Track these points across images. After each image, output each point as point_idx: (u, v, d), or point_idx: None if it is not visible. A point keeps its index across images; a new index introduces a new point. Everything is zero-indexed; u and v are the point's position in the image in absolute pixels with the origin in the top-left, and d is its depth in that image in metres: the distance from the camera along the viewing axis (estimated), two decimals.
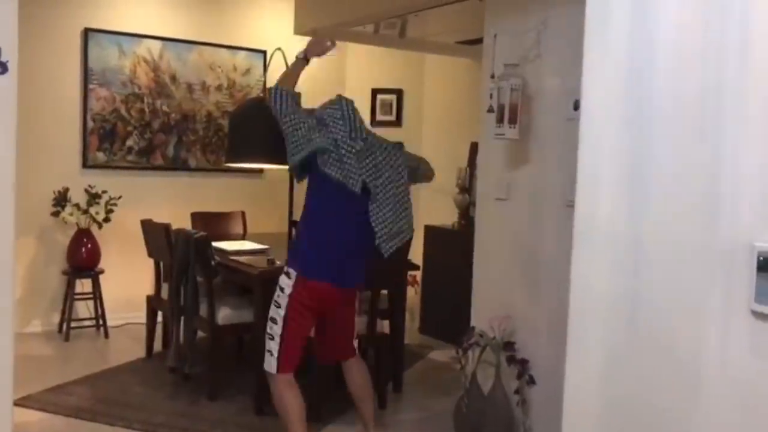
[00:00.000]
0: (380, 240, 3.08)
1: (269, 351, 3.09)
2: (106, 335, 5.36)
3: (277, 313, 3.07)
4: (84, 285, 5.41)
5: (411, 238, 3.45)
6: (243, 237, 5.19)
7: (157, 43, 5.75)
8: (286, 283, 3.07)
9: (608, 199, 1.79)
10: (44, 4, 5.27)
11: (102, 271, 5.38)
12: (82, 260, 5.30)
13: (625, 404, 1.77)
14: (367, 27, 5.42)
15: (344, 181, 3.03)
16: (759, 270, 1.49)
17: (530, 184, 3.44)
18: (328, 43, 3.41)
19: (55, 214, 5.24)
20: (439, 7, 4.42)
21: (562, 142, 3.19)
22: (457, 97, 6.21)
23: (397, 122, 6.64)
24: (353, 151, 3.07)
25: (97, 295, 5.35)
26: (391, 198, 3.12)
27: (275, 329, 3.07)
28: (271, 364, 3.09)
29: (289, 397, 3.09)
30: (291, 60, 5.63)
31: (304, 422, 3.13)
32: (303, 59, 3.39)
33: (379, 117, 6.61)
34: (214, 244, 4.33)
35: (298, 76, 3.36)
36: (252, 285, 3.99)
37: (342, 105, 3.17)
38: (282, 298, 3.07)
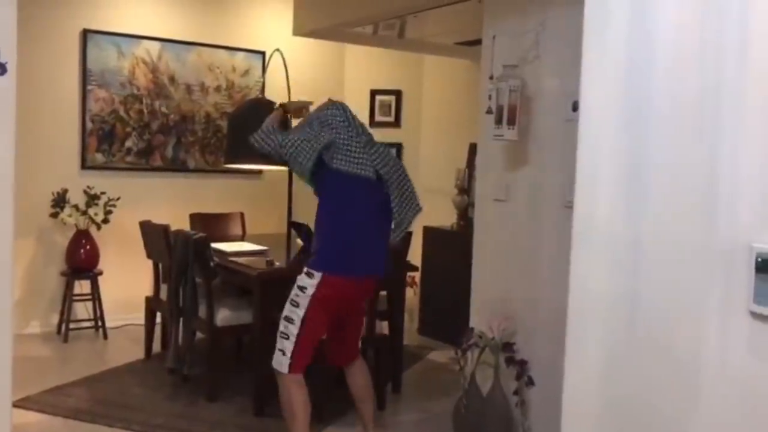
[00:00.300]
0: (394, 224, 3.22)
1: (282, 350, 3.09)
2: (105, 336, 5.36)
3: (295, 312, 3.07)
4: (83, 286, 5.40)
5: (410, 233, 3.50)
6: (242, 238, 5.19)
7: (156, 44, 5.75)
8: (308, 283, 3.06)
9: (607, 199, 1.79)
10: (43, 5, 5.27)
11: (101, 273, 5.38)
12: (81, 261, 5.30)
13: (624, 405, 1.77)
14: (366, 28, 5.42)
15: (357, 171, 3.09)
16: (757, 271, 1.49)
17: (529, 184, 3.44)
18: (305, 110, 3.55)
19: (54, 215, 5.24)
20: (437, 8, 4.42)
21: (561, 143, 3.19)
22: (456, 98, 6.22)
23: (396, 123, 6.64)
24: (360, 144, 3.14)
25: (95, 297, 5.35)
26: (396, 188, 3.21)
27: (291, 328, 3.07)
28: (282, 363, 3.08)
29: (298, 398, 3.10)
30: (289, 61, 5.64)
31: (308, 423, 3.14)
32: (282, 112, 3.52)
33: (378, 118, 6.62)
34: (213, 245, 4.33)
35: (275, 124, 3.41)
36: (251, 286, 3.99)
37: (339, 107, 3.24)
38: (302, 298, 3.06)
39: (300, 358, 3.08)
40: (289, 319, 3.08)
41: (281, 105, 3.50)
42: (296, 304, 3.08)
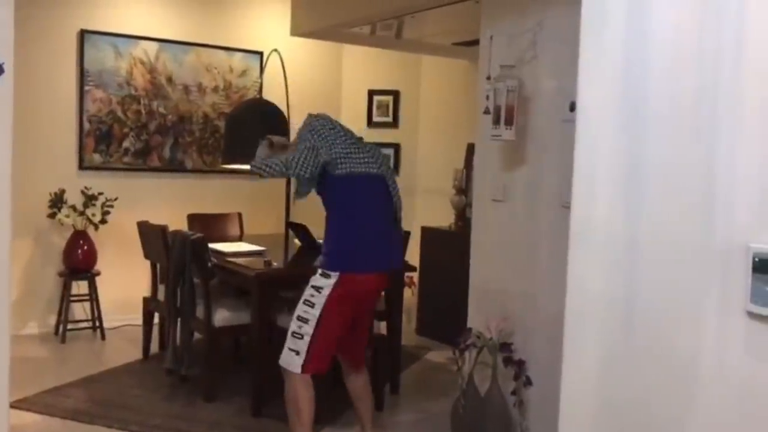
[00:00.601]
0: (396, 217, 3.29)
1: (295, 350, 3.09)
2: (103, 337, 5.35)
3: (310, 313, 3.07)
4: (80, 287, 5.40)
5: (408, 233, 3.52)
6: (240, 238, 5.19)
7: (154, 45, 5.75)
8: (324, 283, 3.07)
9: (604, 200, 1.79)
10: (40, 5, 5.26)
11: (98, 273, 5.37)
12: (79, 262, 5.29)
13: (622, 405, 1.77)
14: (364, 28, 5.42)
15: (362, 171, 3.12)
16: (754, 271, 1.50)
17: (526, 185, 3.44)
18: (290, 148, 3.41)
19: (52, 215, 5.23)
20: (435, 9, 4.42)
21: (558, 144, 3.19)
22: (454, 99, 6.22)
23: (394, 124, 6.64)
24: (356, 146, 3.18)
25: (93, 297, 5.34)
26: (392, 184, 3.26)
27: (305, 328, 3.07)
28: (294, 363, 3.08)
29: (305, 399, 3.11)
30: (287, 61, 5.64)
31: (312, 424, 3.14)
32: (269, 141, 3.37)
33: (376, 118, 6.62)
34: (211, 245, 4.33)
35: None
36: (249, 286, 3.99)
37: (323, 116, 3.27)
38: (317, 298, 3.07)
39: (315, 359, 3.08)
40: (303, 319, 3.09)
41: (268, 138, 3.46)
42: (311, 304, 3.08)
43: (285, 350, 3.13)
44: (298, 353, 3.08)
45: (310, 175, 3.08)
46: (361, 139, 3.30)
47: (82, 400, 4.06)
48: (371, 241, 3.17)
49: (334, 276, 3.07)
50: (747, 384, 1.53)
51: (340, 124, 3.25)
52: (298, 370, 3.08)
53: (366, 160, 3.16)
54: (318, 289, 3.08)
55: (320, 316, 3.06)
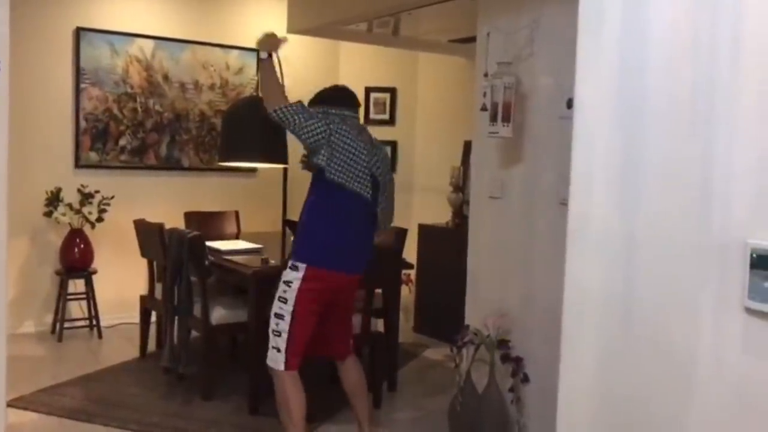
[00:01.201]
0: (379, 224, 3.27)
1: (276, 348, 3.09)
2: (100, 335, 5.34)
3: (284, 309, 3.07)
4: (77, 285, 5.39)
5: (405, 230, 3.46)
6: (237, 236, 5.19)
7: (150, 42, 5.73)
8: (293, 276, 3.07)
9: (602, 197, 1.79)
10: (36, 4, 5.25)
11: (95, 271, 5.36)
12: (75, 260, 5.28)
13: (620, 402, 1.77)
14: (361, 25, 5.42)
15: (358, 190, 3.09)
16: (752, 267, 1.50)
17: (524, 182, 3.44)
18: (280, 38, 3.45)
19: (48, 214, 5.22)
20: (431, 6, 4.42)
21: (556, 140, 3.19)
22: (451, 96, 6.22)
23: (391, 121, 6.64)
24: (365, 156, 3.13)
25: (90, 296, 5.33)
26: (382, 191, 3.24)
27: (282, 325, 3.07)
28: (278, 360, 3.09)
29: (295, 396, 3.10)
30: (283, 59, 5.62)
31: (304, 421, 3.14)
32: (269, 58, 3.34)
33: (373, 116, 6.61)
34: (208, 243, 4.32)
35: (277, 74, 3.29)
36: (246, 284, 3.99)
37: (345, 112, 3.27)
38: (289, 293, 3.07)
39: (295, 353, 3.09)
40: (279, 316, 3.09)
41: (268, 53, 3.32)
42: (284, 300, 3.08)
43: (269, 349, 3.13)
44: (279, 350, 3.09)
45: (311, 147, 3.06)
46: (371, 141, 3.25)
47: (79, 399, 4.06)
48: (347, 245, 3.15)
49: (302, 268, 3.06)
50: (744, 380, 1.54)
51: (354, 129, 3.20)
52: (282, 367, 3.08)
53: (364, 177, 3.10)
54: (288, 283, 3.08)
55: (294, 311, 3.06)
